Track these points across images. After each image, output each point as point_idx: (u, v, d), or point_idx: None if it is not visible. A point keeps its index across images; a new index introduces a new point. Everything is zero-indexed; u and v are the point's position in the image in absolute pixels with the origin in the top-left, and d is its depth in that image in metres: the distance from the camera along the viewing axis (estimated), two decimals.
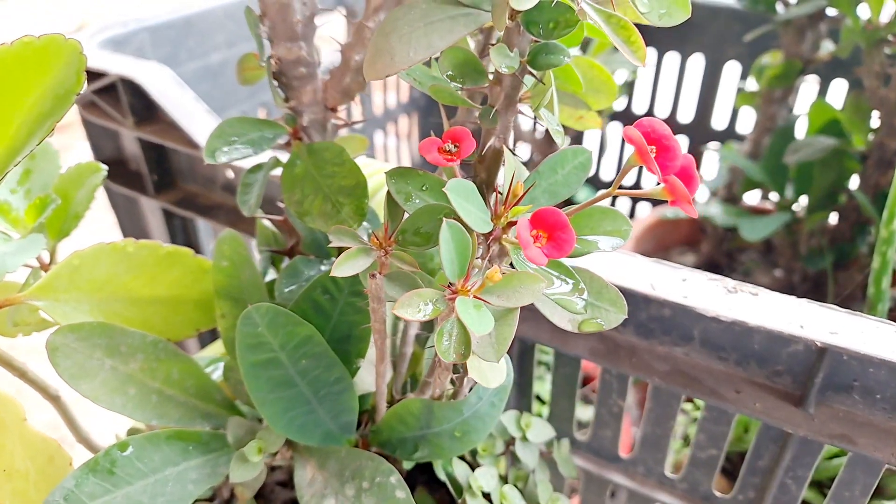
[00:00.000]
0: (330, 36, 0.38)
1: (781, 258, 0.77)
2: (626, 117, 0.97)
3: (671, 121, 0.94)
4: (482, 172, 0.33)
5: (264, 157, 0.38)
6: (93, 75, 0.53)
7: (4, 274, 0.37)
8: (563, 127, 0.35)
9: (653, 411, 0.44)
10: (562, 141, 0.31)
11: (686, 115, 0.93)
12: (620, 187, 0.28)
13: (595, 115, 0.40)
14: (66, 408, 0.43)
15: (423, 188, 0.31)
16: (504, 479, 0.40)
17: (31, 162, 0.45)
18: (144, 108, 0.52)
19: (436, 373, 0.34)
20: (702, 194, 0.92)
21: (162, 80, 0.51)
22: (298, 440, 0.36)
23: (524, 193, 0.30)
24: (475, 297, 0.27)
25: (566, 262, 0.30)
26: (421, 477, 0.41)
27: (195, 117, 0.50)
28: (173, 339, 0.38)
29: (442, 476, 0.38)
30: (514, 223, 0.30)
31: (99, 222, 0.83)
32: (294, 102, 0.36)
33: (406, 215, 0.30)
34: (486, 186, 0.33)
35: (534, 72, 0.30)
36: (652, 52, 0.91)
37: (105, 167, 0.41)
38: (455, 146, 0.29)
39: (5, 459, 0.35)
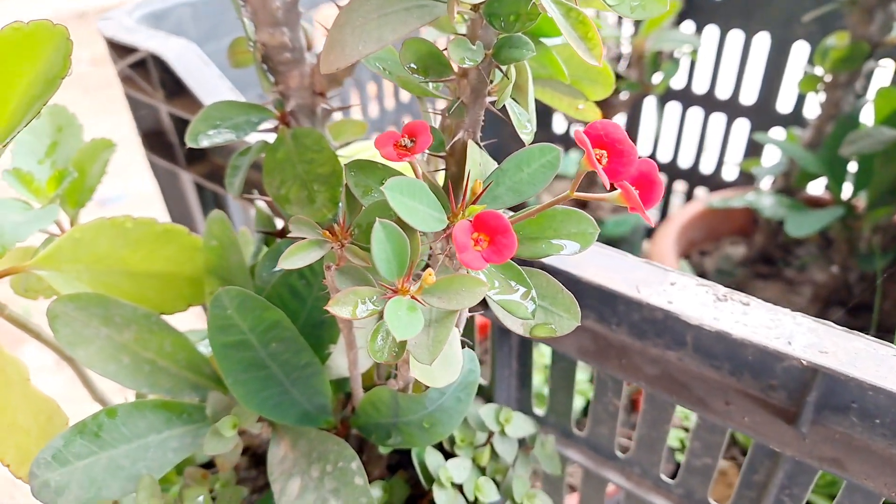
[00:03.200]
0: (317, 21, 0.38)
1: (838, 255, 0.72)
2: (685, 97, 0.92)
3: (732, 102, 0.89)
4: (452, 167, 0.32)
5: (269, 137, 0.39)
6: (127, 50, 0.55)
7: (15, 242, 0.39)
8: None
9: (648, 413, 0.42)
10: (528, 137, 0.30)
11: (749, 98, 0.88)
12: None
13: (593, 105, 0.38)
14: (81, 368, 0.46)
15: (384, 182, 0.30)
16: (483, 471, 0.40)
17: (59, 134, 0.48)
18: (173, 83, 0.54)
19: (398, 365, 0.34)
20: (763, 182, 0.86)
21: (187, 57, 0.52)
22: (274, 419, 0.37)
23: (483, 191, 0.29)
24: (413, 297, 0.26)
25: (557, 261, 0.29)
26: (403, 461, 0.41)
27: (217, 94, 0.51)
28: (166, 313, 0.40)
29: (416, 463, 0.38)
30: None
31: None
32: (282, 87, 0.37)
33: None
34: (456, 181, 0.32)
35: (499, 65, 0.29)
36: (713, 30, 0.86)
37: (115, 143, 0.43)
38: (412, 141, 0.29)
39: (10, 415, 0.38)
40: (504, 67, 0.29)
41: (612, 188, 0.26)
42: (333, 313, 0.25)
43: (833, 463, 0.34)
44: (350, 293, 0.26)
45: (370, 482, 0.40)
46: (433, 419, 0.35)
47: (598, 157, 0.25)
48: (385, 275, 0.26)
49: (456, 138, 0.31)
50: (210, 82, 0.52)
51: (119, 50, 0.57)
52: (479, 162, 0.30)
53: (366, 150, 0.43)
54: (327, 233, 0.29)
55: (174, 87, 0.55)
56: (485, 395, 0.51)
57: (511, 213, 0.31)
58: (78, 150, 0.45)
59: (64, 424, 0.39)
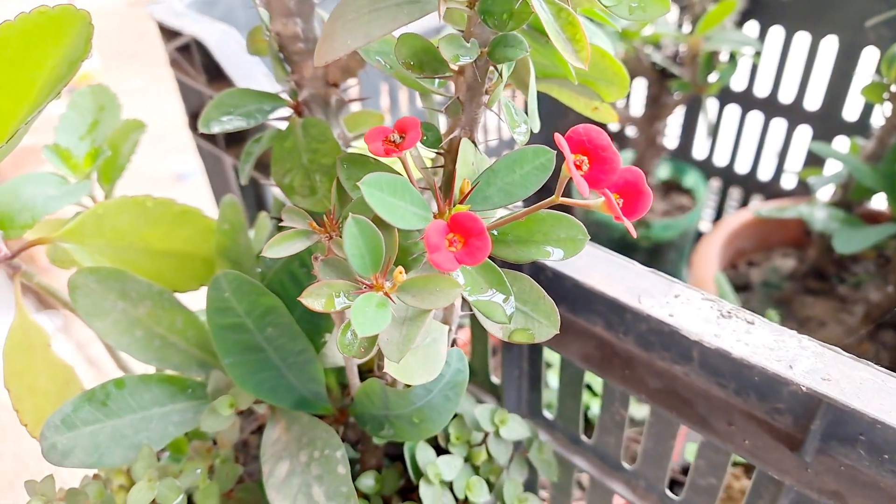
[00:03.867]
0: None
1: (892, 275, 0.68)
2: (745, 100, 0.89)
3: (795, 108, 0.85)
4: (448, 164, 0.32)
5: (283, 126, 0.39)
6: (173, 34, 0.57)
7: (45, 214, 0.41)
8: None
9: (653, 427, 0.41)
10: (522, 138, 0.29)
11: (813, 103, 0.83)
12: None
13: (609, 107, 0.37)
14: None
15: None
16: (477, 470, 0.40)
17: (100, 113, 0.50)
18: (214, 67, 0.56)
19: (385, 360, 0.34)
20: (821, 193, 0.82)
21: (227, 42, 0.54)
22: (270, 402, 0.38)
23: (471, 190, 0.29)
24: (386, 293, 0.26)
25: (564, 265, 0.28)
26: (402, 452, 0.42)
27: (253, 80, 0.53)
28: (179, 291, 0.41)
29: (407, 457, 0.38)
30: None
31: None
32: (296, 77, 0.37)
33: None
34: (450, 179, 0.32)
35: (494, 64, 0.28)
36: (779, 31, 0.82)
37: (146, 125, 0.45)
38: (401, 137, 0.29)
39: (31, 378, 0.40)
40: (500, 66, 0.28)
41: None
42: (306, 305, 0.26)
43: (834, 496, 0.32)
44: (324, 286, 0.26)
45: (365, 470, 0.41)
46: (422, 415, 0.35)
47: (578, 162, 0.25)
48: (359, 270, 0.26)
49: (452, 136, 0.31)
50: (247, 68, 0.53)
51: (167, 33, 0.59)
52: (471, 161, 0.30)
53: None
54: (314, 224, 0.29)
55: (214, 72, 0.56)
56: (496, 394, 0.50)
57: (501, 215, 0.30)
58: (114, 129, 0.47)
59: (78, 390, 0.41)
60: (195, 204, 0.43)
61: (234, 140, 0.61)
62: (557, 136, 0.24)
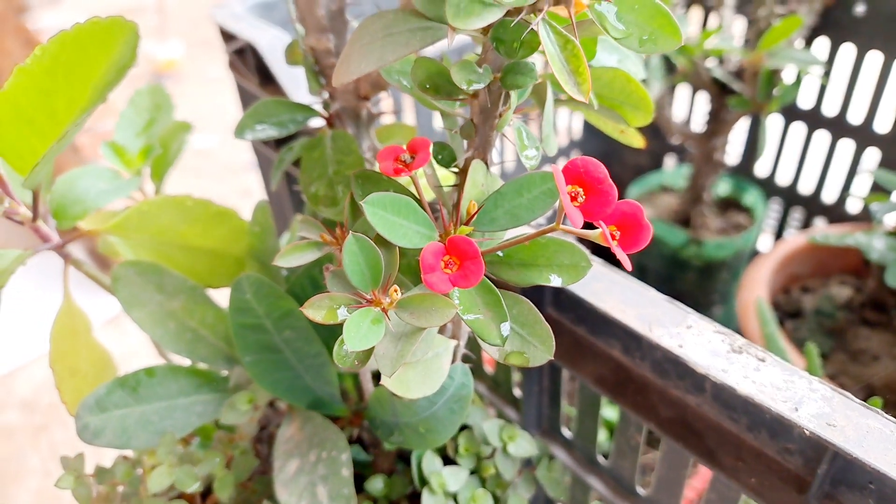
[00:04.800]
0: None
1: None
2: (812, 118, 0.85)
3: (864, 129, 0.81)
4: (463, 185, 0.33)
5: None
6: (231, 37, 0.60)
7: (97, 207, 0.44)
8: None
9: (667, 455, 0.41)
10: (531, 163, 0.30)
11: (883, 126, 0.79)
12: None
13: (636, 132, 0.37)
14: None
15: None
16: (484, 482, 0.40)
17: (156, 112, 0.53)
18: (266, 71, 0.58)
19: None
20: (886, 220, 0.78)
21: (277, 48, 0.56)
22: (287, 400, 0.39)
23: (476, 211, 0.29)
24: (384, 309, 0.27)
25: (579, 288, 0.29)
26: (399, 465, 0.43)
27: (298, 85, 0.54)
28: (212, 287, 0.43)
29: (413, 464, 0.39)
30: None
31: None
32: (329, 89, 0.38)
33: None
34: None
35: (509, 91, 0.29)
36: (850, 49, 0.78)
37: (192, 125, 0.47)
38: (412, 157, 0.29)
39: (72, 360, 0.43)
40: (512, 92, 0.29)
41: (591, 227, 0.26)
42: (306, 315, 0.27)
43: None
44: (325, 298, 0.27)
45: (377, 473, 0.42)
46: (428, 426, 0.36)
47: (573, 194, 0.25)
48: (358, 285, 0.27)
49: (466, 156, 0.31)
50: (295, 74, 0.55)
51: (226, 37, 0.61)
52: (480, 183, 0.30)
53: None
54: (324, 236, 0.30)
55: (266, 76, 0.58)
56: (518, 407, 0.51)
57: (506, 238, 0.31)
58: (165, 128, 0.49)
59: (114, 375, 0.43)
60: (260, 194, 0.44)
61: (284, 141, 0.63)
62: (554, 167, 0.24)
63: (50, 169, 0.41)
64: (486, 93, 0.29)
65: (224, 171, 1.55)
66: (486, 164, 0.31)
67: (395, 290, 0.26)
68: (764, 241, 1.00)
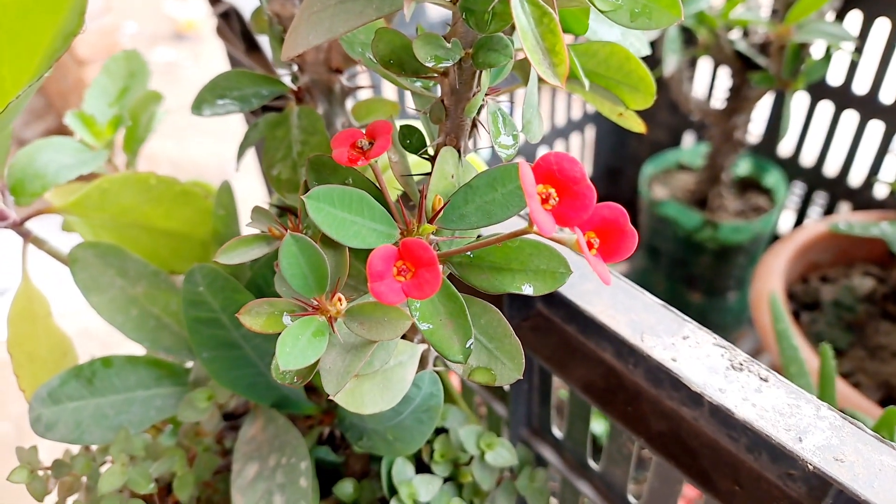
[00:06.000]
0: None
1: None
2: (841, 96, 0.80)
3: (894, 109, 0.75)
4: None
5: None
6: (216, 0, 0.56)
7: (57, 182, 0.41)
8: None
9: (660, 465, 0.37)
10: (506, 152, 0.26)
11: None
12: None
13: (635, 115, 0.33)
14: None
15: (346, 182, 0.28)
16: (460, 490, 0.38)
17: (131, 80, 0.49)
18: (249, 37, 0.54)
19: None
20: None
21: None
22: (249, 398, 0.36)
23: (443, 207, 0.26)
24: (331, 318, 0.24)
25: (567, 289, 0.25)
26: (374, 466, 0.40)
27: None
28: (177, 272, 0.41)
29: (383, 471, 0.36)
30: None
31: None
32: (297, 60, 0.35)
33: None
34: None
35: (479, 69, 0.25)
36: (885, 24, 0.72)
37: (162, 96, 0.44)
38: (370, 143, 0.26)
39: (31, 345, 0.41)
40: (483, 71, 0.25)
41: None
42: (243, 323, 0.24)
43: None
44: (265, 304, 0.24)
45: (348, 475, 0.39)
46: (395, 434, 0.33)
47: (544, 196, 0.21)
48: (301, 291, 0.24)
49: (437, 142, 0.28)
50: None
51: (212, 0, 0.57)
52: (450, 174, 0.27)
53: None
54: (273, 230, 0.27)
55: (251, 43, 0.55)
56: (505, 400, 0.48)
57: (476, 237, 0.27)
58: (135, 99, 0.46)
59: (74, 362, 0.41)
60: None
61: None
62: (521, 162, 0.21)
63: (5, 141, 0.38)
64: (456, 71, 0.26)
65: (235, 142, 1.52)
66: (459, 151, 0.28)
67: (340, 300, 0.23)
68: (785, 223, 0.95)
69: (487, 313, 0.26)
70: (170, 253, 0.40)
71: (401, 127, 0.28)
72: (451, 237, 0.27)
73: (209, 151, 1.47)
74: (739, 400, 0.28)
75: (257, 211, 0.29)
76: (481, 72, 0.26)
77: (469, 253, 0.26)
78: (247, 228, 0.35)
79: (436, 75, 0.26)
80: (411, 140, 0.28)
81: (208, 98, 0.34)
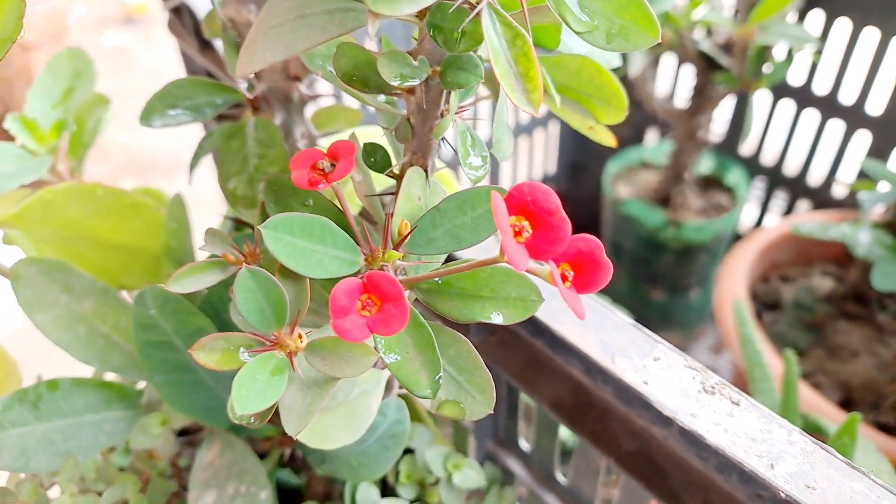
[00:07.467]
0: None
1: None
2: (802, 96, 0.80)
3: (856, 110, 0.76)
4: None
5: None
6: None
7: None
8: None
9: (629, 490, 0.37)
10: (476, 174, 0.25)
11: (876, 107, 0.75)
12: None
13: (606, 129, 0.32)
14: None
15: (307, 204, 0.26)
16: None
17: (76, 80, 0.47)
18: (201, 35, 0.52)
19: None
20: (873, 210, 0.74)
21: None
22: (205, 422, 0.35)
23: (410, 232, 0.25)
24: (291, 353, 0.23)
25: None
26: (338, 486, 0.39)
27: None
28: (127, 289, 0.38)
29: (347, 496, 0.35)
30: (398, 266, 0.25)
31: None
32: None
33: None
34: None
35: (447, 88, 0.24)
36: (845, 24, 0.73)
37: (110, 100, 0.41)
38: (332, 165, 0.24)
39: None
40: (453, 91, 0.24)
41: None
42: (196, 360, 0.22)
43: None
44: (220, 339, 0.23)
45: (309, 499, 0.38)
46: (360, 460, 0.32)
47: (517, 228, 0.20)
48: (258, 326, 0.22)
49: (403, 162, 0.27)
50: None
51: None
52: (417, 196, 0.25)
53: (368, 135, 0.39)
54: (228, 256, 0.26)
55: (204, 41, 0.52)
56: None
57: (440, 264, 0.26)
58: (82, 101, 0.44)
59: (18, 385, 0.39)
60: None
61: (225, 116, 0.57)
62: (495, 194, 0.20)
63: None
64: (423, 89, 0.24)
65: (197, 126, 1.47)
66: (426, 171, 0.26)
67: (300, 336, 0.22)
68: (746, 219, 0.96)
69: (457, 343, 0.25)
70: (119, 268, 0.38)
71: (364, 145, 0.26)
72: (416, 262, 0.25)
73: (164, 141, 1.42)
74: (711, 425, 0.28)
75: (211, 233, 0.27)
76: (450, 91, 0.24)
77: (437, 279, 0.25)
78: (201, 239, 0.33)
79: (399, 93, 0.25)
80: (375, 158, 0.27)
81: (158, 108, 0.32)
